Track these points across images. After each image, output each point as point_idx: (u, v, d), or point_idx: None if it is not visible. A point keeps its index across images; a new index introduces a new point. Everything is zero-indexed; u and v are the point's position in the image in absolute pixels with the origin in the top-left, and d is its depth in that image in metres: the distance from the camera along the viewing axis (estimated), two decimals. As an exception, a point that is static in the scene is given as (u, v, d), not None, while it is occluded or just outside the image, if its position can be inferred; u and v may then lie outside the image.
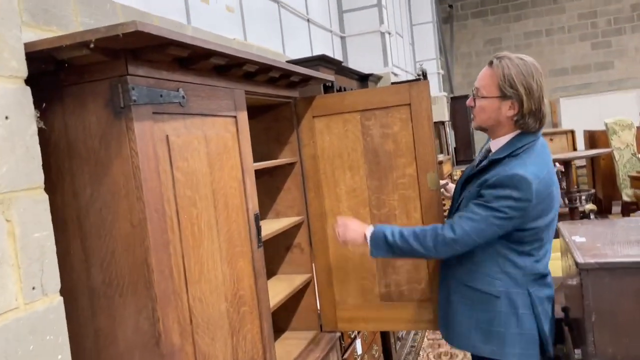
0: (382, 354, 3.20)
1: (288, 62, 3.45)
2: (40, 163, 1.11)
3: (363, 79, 4.92)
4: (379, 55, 5.50)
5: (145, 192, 1.23)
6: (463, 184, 1.81)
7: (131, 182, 1.23)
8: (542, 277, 1.71)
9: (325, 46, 4.94)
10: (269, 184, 2.34)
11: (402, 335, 3.81)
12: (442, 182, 2.19)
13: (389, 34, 5.66)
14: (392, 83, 5.42)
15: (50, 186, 1.30)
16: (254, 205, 1.72)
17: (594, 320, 1.57)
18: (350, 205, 2.26)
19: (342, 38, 5.51)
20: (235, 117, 1.66)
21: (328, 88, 3.73)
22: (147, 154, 1.25)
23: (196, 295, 1.39)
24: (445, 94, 10.39)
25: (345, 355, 2.57)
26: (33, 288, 1.06)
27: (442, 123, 9.65)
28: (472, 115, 1.78)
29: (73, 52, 1.12)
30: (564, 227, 2.15)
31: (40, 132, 1.27)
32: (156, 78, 1.30)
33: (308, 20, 4.52)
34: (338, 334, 2.35)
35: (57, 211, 1.30)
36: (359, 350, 2.72)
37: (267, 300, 1.76)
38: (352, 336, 2.69)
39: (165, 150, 1.33)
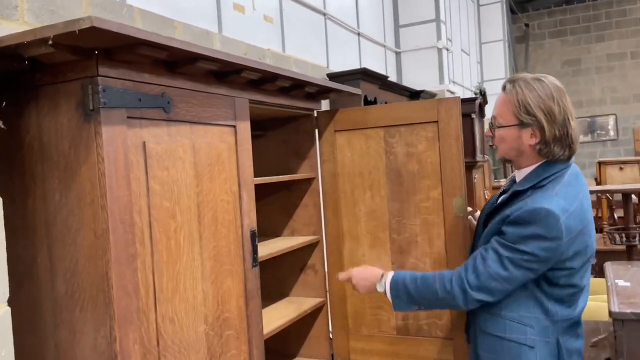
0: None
1: (328, 75, 3.36)
2: (-5, 164, 1.05)
3: (414, 96, 4.75)
4: (435, 71, 5.29)
5: (109, 200, 1.15)
6: (486, 217, 1.59)
7: (96, 189, 1.16)
8: (574, 325, 1.47)
9: (376, 61, 4.81)
10: (286, 199, 2.23)
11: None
12: (469, 209, 1.98)
13: (447, 50, 5.44)
14: (447, 101, 5.19)
15: (23, 189, 1.26)
16: (250, 221, 1.61)
17: (627, 380, 1.33)
18: (368, 227, 2.10)
19: (397, 53, 5.36)
20: (234, 126, 1.56)
21: (371, 103, 3.60)
22: (115, 160, 1.17)
23: (167, 314, 1.29)
24: (514, 115, 9.94)
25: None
26: (-28, 296, 0.99)
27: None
28: (494, 146, 1.60)
29: (36, 49, 1.07)
30: (611, 267, 1.89)
31: (17, 133, 1.24)
32: (135, 81, 1.23)
33: (359, 34, 4.41)
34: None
35: (28, 216, 1.26)
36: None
37: (260, 324, 1.63)
38: None
39: (141, 157, 1.25)
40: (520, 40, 11.86)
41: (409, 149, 2.02)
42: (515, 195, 1.46)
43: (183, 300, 1.34)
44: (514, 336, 1.44)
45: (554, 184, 1.41)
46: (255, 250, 1.62)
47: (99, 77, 1.14)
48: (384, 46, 5.04)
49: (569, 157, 1.44)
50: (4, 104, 1.10)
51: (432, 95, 5.08)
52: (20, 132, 1.24)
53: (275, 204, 2.25)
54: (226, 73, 1.48)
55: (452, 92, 5.45)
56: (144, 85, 1.26)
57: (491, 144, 1.56)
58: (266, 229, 2.26)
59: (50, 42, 1.02)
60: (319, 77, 3.29)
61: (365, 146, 2.10)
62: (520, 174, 1.52)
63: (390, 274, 1.55)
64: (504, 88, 1.49)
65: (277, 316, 1.95)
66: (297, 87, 1.83)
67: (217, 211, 1.48)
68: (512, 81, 1.47)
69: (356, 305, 2.14)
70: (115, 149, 1.17)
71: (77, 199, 1.18)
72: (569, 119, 1.41)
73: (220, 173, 1.50)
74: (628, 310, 1.33)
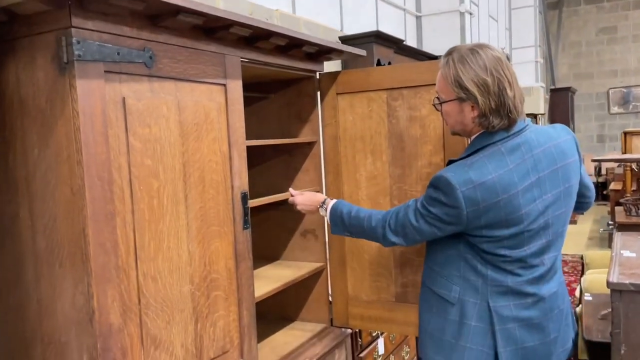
0: (416, 357, 2.97)
1: (340, 38, 3.27)
2: (-33, 117, 1.04)
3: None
4: (457, 36, 5.12)
5: (85, 156, 1.13)
6: None
7: (72, 144, 1.14)
8: (512, 293, 1.43)
9: (395, 25, 4.67)
10: (287, 163, 2.20)
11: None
12: None
13: (470, 14, 5.24)
14: (469, 68, 5.03)
15: (4, 144, 1.25)
16: (241, 183, 1.58)
17: (623, 353, 1.27)
18: (369, 193, 2.06)
19: (418, 17, 5.19)
20: (224, 85, 1.52)
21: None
22: (92, 115, 1.14)
23: (149, 273, 1.28)
24: (543, 85, 9.63)
25: (362, 354, 2.39)
26: (-56, 248, 0.99)
27: (535, 116, 8.97)
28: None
29: (4, -3, 1.03)
30: (620, 238, 1.81)
31: (-5, 86, 1.22)
32: (113, 34, 1.19)
33: (376, -4, 4.27)
34: (349, 331, 2.17)
35: (9, 171, 1.25)
36: (381, 350, 2.53)
37: (251, 286, 1.62)
38: (375, 334, 2.49)
39: (121, 113, 1.22)
40: (553, 7, 11.39)
41: (411, 112, 1.95)
42: (449, 164, 1.46)
43: (167, 260, 1.33)
44: (441, 291, 1.51)
45: (480, 154, 1.40)
46: (246, 213, 1.60)
47: (72, 29, 1.10)
48: (404, 10, 4.88)
49: (509, 126, 1.40)
50: (-26, 55, 1.08)
51: (452, 61, 4.92)
52: (1, 87, 1.22)
53: (277, 168, 2.22)
54: (214, 29, 1.43)
55: (474, 59, 5.27)
56: (123, 38, 1.22)
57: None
58: (267, 193, 2.23)
59: (15, -11, 0.98)
60: (332, 41, 3.20)
61: (367, 109, 2.03)
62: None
63: (332, 202, 1.69)
64: (439, 62, 1.46)
65: (275, 279, 1.94)
66: (294, 46, 1.77)
67: (205, 171, 1.45)
68: (446, 55, 1.43)
69: (356, 271, 2.11)
70: (92, 103, 1.14)
71: (54, 155, 1.17)
72: (505, 88, 1.36)
73: (209, 133, 1.47)
74: (627, 281, 1.27)
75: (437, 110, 1.53)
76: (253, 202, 1.72)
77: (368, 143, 2.03)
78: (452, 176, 1.36)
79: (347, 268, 2.13)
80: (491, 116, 1.38)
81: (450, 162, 1.47)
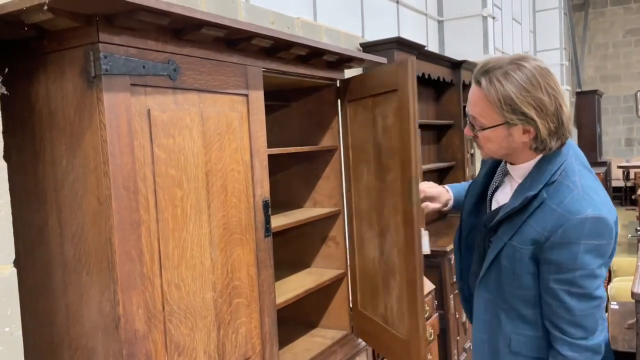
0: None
1: (361, 44, 3.28)
2: (0, 129, 1.08)
3: (455, 67, 4.58)
4: (479, 41, 5.08)
5: (112, 167, 1.16)
6: (495, 220, 1.36)
7: (99, 156, 1.17)
8: None
9: (417, 30, 4.66)
10: (309, 171, 2.21)
11: (470, 347, 3.51)
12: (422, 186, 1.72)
13: (493, 18, 5.20)
14: (491, 72, 4.99)
15: (34, 155, 1.29)
16: (263, 191, 1.60)
17: (649, 368, 1.25)
18: (366, 205, 1.98)
19: (440, 22, 5.17)
20: (246, 95, 1.54)
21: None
22: (118, 127, 1.18)
23: (173, 280, 1.31)
24: (569, 88, 9.48)
25: (384, 361, 2.39)
26: (-22, 256, 1.03)
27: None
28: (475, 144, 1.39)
29: (35, 15, 1.07)
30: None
31: (26, 100, 1.27)
32: (139, 48, 1.23)
33: (397, 2, 4.27)
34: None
35: (38, 181, 1.29)
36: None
37: (272, 293, 1.64)
38: (396, 341, 2.48)
39: (146, 125, 1.25)
40: (578, 8, 11.21)
41: (383, 120, 1.81)
42: (530, 199, 1.28)
43: (190, 267, 1.36)
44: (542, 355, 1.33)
45: (569, 173, 1.27)
46: (267, 221, 1.61)
47: (100, 44, 1.14)
48: (426, 14, 4.87)
49: (562, 146, 1.28)
50: (6, 70, 1.12)
51: (474, 65, 4.89)
52: (31, 99, 1.27)
53: (298, 175, 2.24)
54: (236, 41, 1.46)
55: (497, 63, 5.22)
56: (149, 52, 1.25)
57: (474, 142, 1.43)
58: (289, 200, 2.26)
59: (45, 7, 1.02)
60: (352, 48, 3.22)
61: (363, 117, 1.95)
62: (516, 171, 1.36)
63: None
64: (478, 82, 1.26)
65: (296, 286, 1.95)
66: (315, 55, 1.78)
67: (227, 180, 1.47)
68: (485, 72, 1.24)
69: (365, 283, 2.05)
70: (118, 115, 1.18)
71: (81, 166, 1.20)
72: (560, 106, 1.22)
73: (231, 142, 1.49)
74: (652, 292, 1.25)
75: (472, 135, 1.34)
76: (277, 226, 1.73)
77: (364, 153, 1.97)
78: (597, 212, 1.19)
79: (357, 279, 2.11)
80: (549, 139, 1.23)
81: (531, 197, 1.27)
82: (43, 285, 1.31)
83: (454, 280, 3.19)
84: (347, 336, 2.13)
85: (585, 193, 1.23)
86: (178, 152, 1.33)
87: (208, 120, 1.41)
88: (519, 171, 1.35)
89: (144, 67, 1.23)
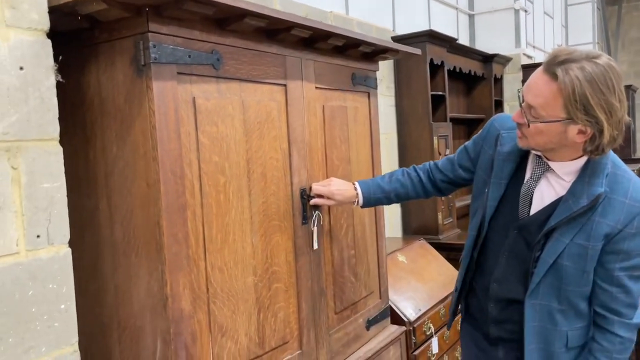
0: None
1: (393, 38, 3.29)
2: (57, 115, 1.14)
3: (487, 60, 4.55)
4: (511, 34, 5.02)
5: (160, 152, 1.21)
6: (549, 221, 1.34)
7: (148, 141, 1.22)
8: None
9: (447, 24, 4.63)
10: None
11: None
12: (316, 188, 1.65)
13: (525, 11, 5.13)
14: (523, 66, 4.94)
15: (85, 142, 1.35)
16: (300, 179, 1.63)
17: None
18: None
19: (470, 16, 5.12)
20: (285, 85, 1.58)
21: (438, 67, 3.49)
22: (166, 114, 1.22)
23: (216, 264, 1.35)
24: (600, 83, 9.25)
25: (417, 352, 2.40)
26: (37, 236, 1.09)
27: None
28: (518, 132, 1.35)
29: (90, 6, 1.12)
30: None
31: (78, 89, 1.32)
32: (185, 37, 1.27)
33: (428, -4, 4.26)
34: (403, 328, 2.18)
35: (89, 167, 1.35)
36: (435, 349, 2.53)
37: (309, 280, 1.67)
38: (428, 333, 2.50)
39: (191, 112, 1.29)
40: (611, 2, 10.95)
41: None
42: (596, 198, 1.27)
43: (232, 252, 1.40)
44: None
45: (617, 166, 1.31)
46: (304, 209, 1.64)
47: (149, 34, 1.18)
48: (456, 8, 4.84)
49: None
50: (60, 58, 1.17)
51: (506, 59, 4.84)
52: (83, 88, 1.32)
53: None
54: (276, 31, 1.49)
55: (528, 56, 5.16)
56: (194, 42, 1.29)
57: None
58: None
59: (100, -3, 1.07)
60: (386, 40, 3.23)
61: None
62: (563, 168, 1.33)
63: None
64: (552, 73, 1.19)
65: (330, 275, 1.97)
66: (351, 46, 1.81)
67: (266, 168, 1.51)
68: (562, 63, 1.18)
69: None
70: (166, 103, 1.22)
71: (131, 151, 1.25)
72: (624, 114, 1.20)
73: (270, 131, 1.52)
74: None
75: (520, 122, 1.29)
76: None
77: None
78: None
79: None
80: (607, 145, 1.21)
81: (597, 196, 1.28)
82: (93, 267, 1.37)
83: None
84: (387, 324, 2.14)
85: (638, 180, 1.29)
86: (221, 140, 1.37)
87: (249, 109, 1.45)
88: (567, 168, 1.32)
89: (189, 56, 1.27)
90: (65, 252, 1.15)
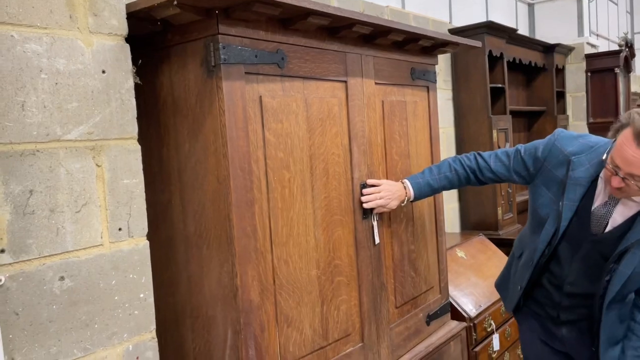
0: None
1: (450, 30, 3.24)
2: (135, 116, 1.21)
3: (548, 50, 4.40)
4: (573, 23, 4.83)
5: (230, 149, 1.26)
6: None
7: (219, 139, 1.27)
8: None
9: (506, 14, 4.51)
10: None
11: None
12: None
13: (588, -2, 4.92)
14: (587, 55, 4.75)
15: (159, 140, 1.42)
16: (360, 174, 1.65)
17: None
18: None
19: (530, 5, 4.97)
20: (345, 81, 1.60)
21: (497, 59, 3.42)
22: (235, 113, 1.27)
23: (282, 257, 1.40)
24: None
25: (477, 349, 2.38)
26: (119, 229, 1.17)
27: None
28: (617, 188, 1.44)
29: (164, 10, 1.18)
30: None
31: (152, 89, 1.40)
32: (252, 38, 1.31)
33: (485, -14, 4.16)
34: (464, 324, 2.17)
35: (162, 164, 1.42)
36: (496, 346, 2.49)
37: (370, 274, 1.69)
38: (489, 329, 2.47)
39: (258, 110, 1.34)
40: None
41: None
42: None
43: (296, 245, 1.44)
44: None
45: None
46: (365, 203, 1.66)
47: (219, 35, 1.24)
48: (515, -2, 4.70)
49: None
50: (140, 62, 1.24)
51: (568, 49, 4.66)
52: (156, 89, 1.39)
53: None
54: (338, 28, 1.51)
55: (592, 45, 4.95)
56: (260, 42, 1.34)
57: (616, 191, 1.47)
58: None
59: (175, 2, 1.12)
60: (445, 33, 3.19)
61: None
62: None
63: None
64: None
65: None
66: (411, 41, 1.81)
67: (328, 164, 1.54)
68: None
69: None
70: (235, 102, 1.27)
71: (202, 148, 1.31)
72: None
73: (332, 127, 1.55)
74: None
75: (627, 186, 1.40)
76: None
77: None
78: None
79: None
80: None
81: None
82: (167, 259, 1.44)
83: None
84: (447, 319, 2.14)
85: None
86: (286, 136, 1.41)
87: (311, 106, 1.48)
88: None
89: (256, 56, 1.32)
90: (144, 244, 1.22)
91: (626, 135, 1.35)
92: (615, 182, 1.41)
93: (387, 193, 1.68)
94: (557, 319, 1.68)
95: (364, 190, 1.66)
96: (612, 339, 1.57)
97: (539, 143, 1.66)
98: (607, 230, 1.53)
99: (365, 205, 1.65)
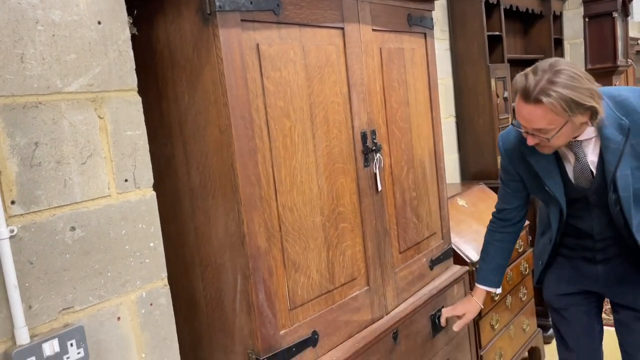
0: (533, 298, 2.95)
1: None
2: (134, 67, 1.21)
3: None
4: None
5: (230, 98, 1.26)
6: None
7: (218, 88, 1.27)
8: None
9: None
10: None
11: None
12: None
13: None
14: (584, 0, 4.67)
15: (157, 94, 1.42)
16: (361, 123, 1.66)
17: None
18: None
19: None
20: (342, 28, 1.59)
21: (493, 6, 3.36)
22: (233, 61, 1.27)
23: (286, 204, 1.42)
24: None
25: (479, 292, 2.43)
26: (125, 180, 1.18)
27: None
28: (539, 148, 1.57)
29: (157, -42, 1.16)
30: None
31: (148, 42, 1.39)
32: (246, -16, 1.30)
33: None
34: (466, 268, 2.21)
35: (163, 117, 1.43)
36: (498, 290, 2.54)
37: (373, 220, 1.72)
38: (491, 274, 2.51)
39: (255, 59, 1.33)
40: None
41: None
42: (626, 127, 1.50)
43: (300, 193, 1.46)
44: None
45: (619, 94, 1.54)
46: (366, 152, 1.68)
47: (213, -18, 1.22)
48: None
49: None
50: (135, 12, 1.23)
51: (566, -5, 4.58)
52: (152, 41, 1.39)
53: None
54: (332, -27, 1.49)
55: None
56: (257, -12, 1.32)
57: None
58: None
59: (168, -52, 1.11)
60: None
61: None
62: (586, 134, 1.54)
63: None
64: (536, 100, 1.40)
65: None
66: (406, -15, 1.78)
67: (328, 112, 1.55)
68: (537, 89, 1.39)
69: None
70: (232, 50, 1.27)
71: (202, 99, 1.32)
72: (595, 87, 1.43)
73: (330, 75, 1.55)
74: None
75: (541, 141, 1.50)
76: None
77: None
78: None
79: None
80: (601, 111, 1.44)
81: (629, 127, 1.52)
82: (173, 212, 1.47)
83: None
84: (450, 264, 2.18)
85: (628, 91, 1.53)
86: (285, 85, 1.41)
87: (309, 53, 1.48)
88: (587, 132, 1.54)
89: (251, 2, 1.31)
90: (150, 195, 1.24)
91: (518, 96, 1.47)
92: (530, 141, 1.52)
93: (471, 315, 1.91)
94: (591, 259, 1.75)
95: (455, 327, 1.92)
96: None
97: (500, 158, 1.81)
98: (595, 176, 1.60)
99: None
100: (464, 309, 1.91)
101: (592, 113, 1.44)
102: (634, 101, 1.51)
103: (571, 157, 1.61)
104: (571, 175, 1.63)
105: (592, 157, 1.59)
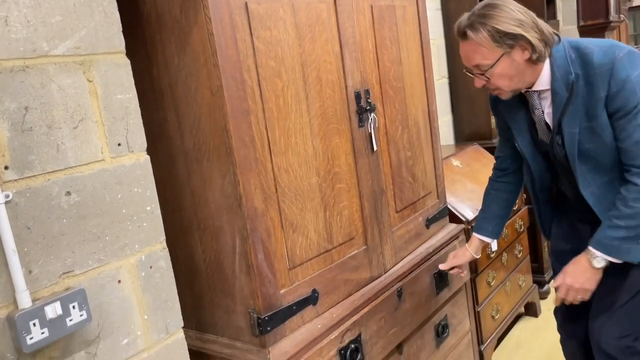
0: (529, 255, 2.99)
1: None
2: (120, 29, 1.18)
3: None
4: None
5: (220, 59, 1.25)
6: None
7: (207, 49, 1.26)
8: None
9: None
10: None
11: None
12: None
13: None
14: (576, -44, 4.59)
15: (147, 58, 1.40)
16: (354, 82, 1.64)
17: None
18: None
19: None
20: (332, -15, 1.56)
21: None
22: (222, 20, 1.25)
23: (282, 165, 1.42)
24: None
25: (475, 250, 2.46)
26: (118, 144, 1.17)
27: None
28: (492, 91, 1.54)
29: None
30: None
31: (134, 4, 1.36)
32: (231, -60, 1.27)
33: None
34: (462, 226, 2.24)
35: (154, 81, 1.41)
36: (494, 247, 2.57)
37: (370, 180, 1.72)
38: (486, 232, 2.54)
39: (245, 18, 1.31)
40: None
41: None
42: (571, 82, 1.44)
43: (295, 154, 1.45)
44: None
45: (578, 47, 1.44)
46: (361, 111, 1.67)
47: (197, -62, 1.19)
48: None
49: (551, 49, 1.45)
50: (119, -28, 1.20)
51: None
52: (138, 5, 1.36)
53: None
54: None
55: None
56: (239, -56, 1.29)
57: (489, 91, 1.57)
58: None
59: None
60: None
61: None
62: (539, 85, 1.49)
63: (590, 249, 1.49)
64: (464, 35, 1.44)
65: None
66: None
67: (321, 71, 1.53)
68: (469, 26, 1.42)
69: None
70: (220, 9, 1.24)
71: (192, 61, 1.30)
72: (535, 18, 1.40)
73: (321, 34, 1.53)
74: None
75: (486, 82, 1.48)
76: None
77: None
78: (624, 46, 1.41)
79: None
80: (541, 46, 1.40)
81: (572, 83, 1.44)
82: (168, 176, 1.46)
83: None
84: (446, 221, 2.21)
85: (598, 44, 1.42)
86: (275, 44, 1.39)
87: (299, 11, 1.45)
88: (541, 82, 1.49)
89: (237, -41, 1.28)
90: (145, 158, 1.23)
91: None
92: (476, 82, 1.51)
93: (459, 261, 1.88)
94: (582, 219, 1.67)
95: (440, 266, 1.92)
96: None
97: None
98: (552, 130, 1.54)
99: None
100: (456, 257, 1.89)
101: (532, 48, 1.40)
102: (595, 56, 1.40)
103: (534, 109, 1.57)
104: (538, 128, 1.59)
105: (548, 109, 1.54)
